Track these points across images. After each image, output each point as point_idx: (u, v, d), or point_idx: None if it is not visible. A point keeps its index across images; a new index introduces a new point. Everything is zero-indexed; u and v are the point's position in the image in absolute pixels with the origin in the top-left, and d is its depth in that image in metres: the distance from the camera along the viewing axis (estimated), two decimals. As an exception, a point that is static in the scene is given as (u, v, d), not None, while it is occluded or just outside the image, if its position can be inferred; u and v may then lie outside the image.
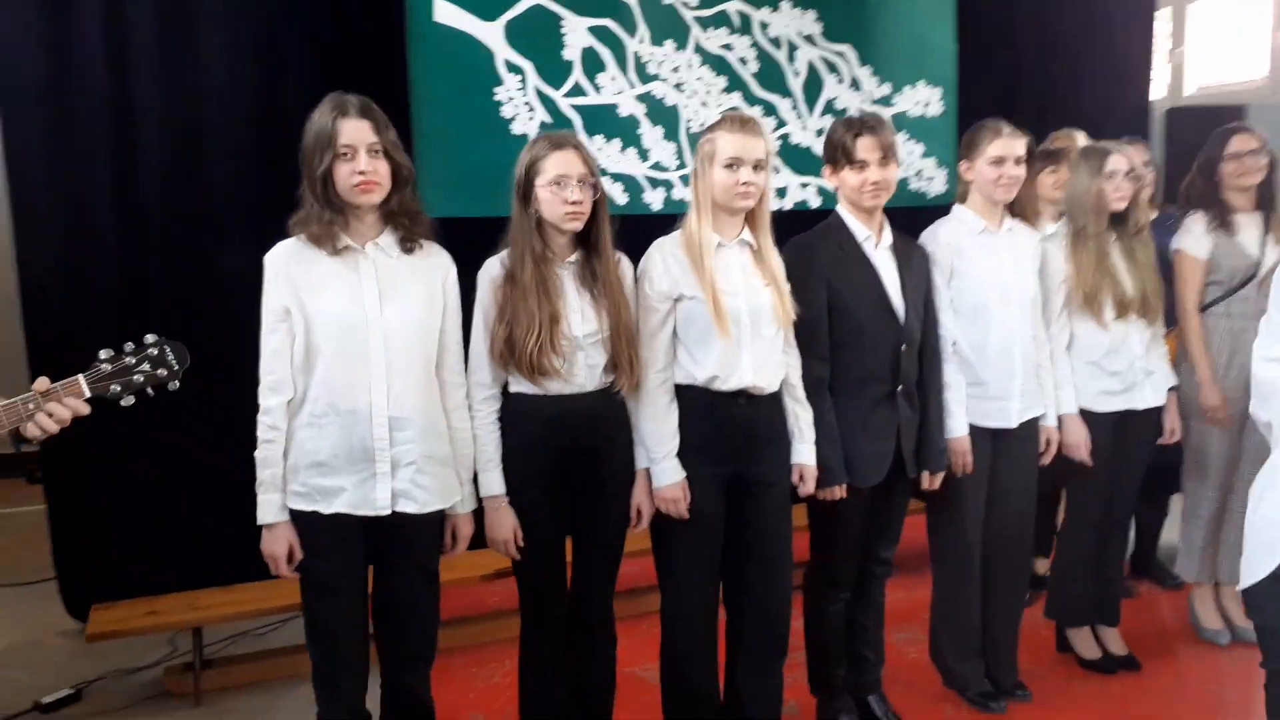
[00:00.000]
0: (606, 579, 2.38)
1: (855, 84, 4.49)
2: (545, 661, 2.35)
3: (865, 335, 2.51)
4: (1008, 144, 2.73)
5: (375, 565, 2.12)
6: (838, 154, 2.52)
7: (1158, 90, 7.57)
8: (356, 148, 1.97)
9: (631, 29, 4.08)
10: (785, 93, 4.38)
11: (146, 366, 1.77)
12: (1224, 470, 3.18)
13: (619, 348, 2.22)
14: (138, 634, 2.97)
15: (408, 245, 2.09)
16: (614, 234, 2.27)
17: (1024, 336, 2.80)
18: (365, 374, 2.01)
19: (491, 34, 3.86)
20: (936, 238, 2.78)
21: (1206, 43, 7.45)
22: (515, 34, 3.89)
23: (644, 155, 4.16)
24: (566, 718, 2.39)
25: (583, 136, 3.98)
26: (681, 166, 4.20)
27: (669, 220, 2.39)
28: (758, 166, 2.27)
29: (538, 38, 3.91)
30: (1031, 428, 2.87)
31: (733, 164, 2.25)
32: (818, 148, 4.36)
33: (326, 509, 2.01)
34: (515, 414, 2.23)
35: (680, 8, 4.17)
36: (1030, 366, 2.83)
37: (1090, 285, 2.87)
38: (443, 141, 3.79)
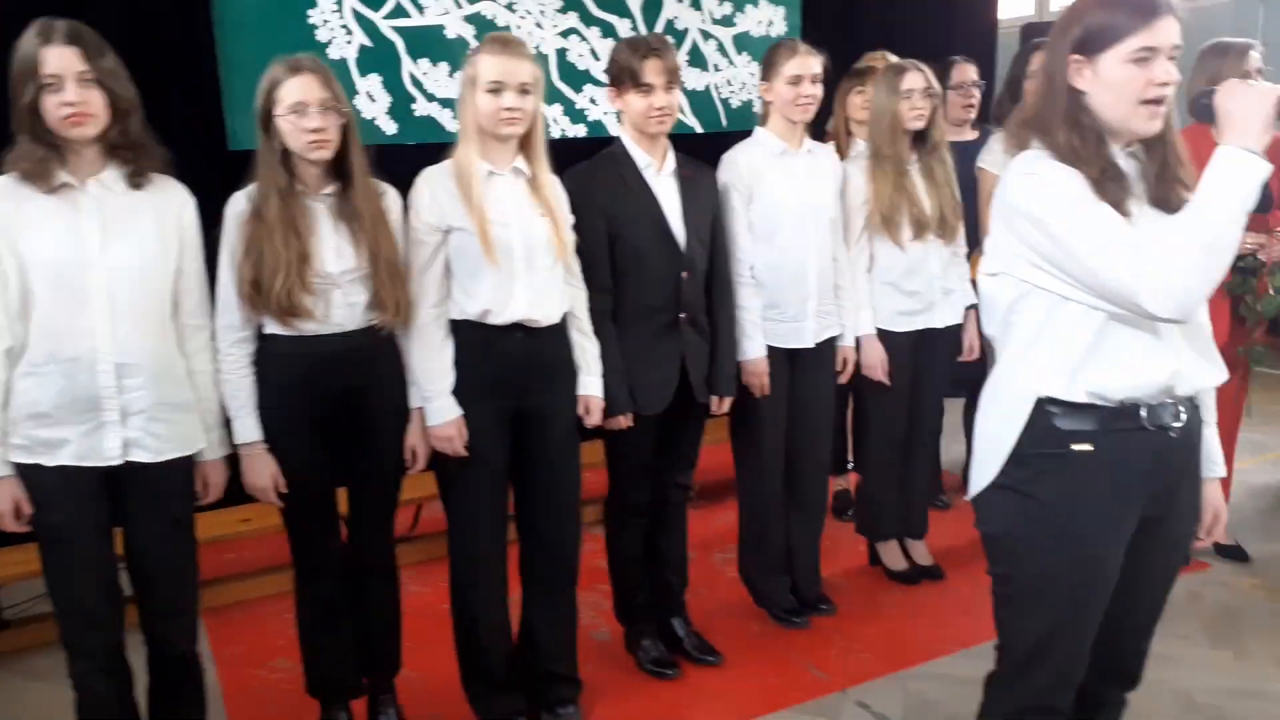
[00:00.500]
0: (384, 520, 2.36)
1: (696, 3, 4.39)
2: (320, 608, 2.33)
3: (646, 265, 2.49)
4: (804, 62, 2.71)
5: (123, 519, 2.05)
6: (623, 76, 2.46)
7: (1025, 8, 7.65)
8: (63, 77, 1.84)
9: (457, -56, 3.91)
10: (624, 13, 4.27)
11: None
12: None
13: (381, 284, 2.15)
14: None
15: (136, 180, 1.98)
16: (371, 163, 2.18)
17: (822, 258, 2.83)
18: (86, 319, 1.91)
19: (302, -51, 3.66)
20: (735, 162, 2.77)
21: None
22: (326, -53, 3.69)
23: (470, 79, 4.02)
24: (350, 662, 2.39)
25: (407, 60, 3.85)
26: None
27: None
28: (524, 90, 2.19)
29: (352, -50, 3.72)
30: (829, 348, 2.92)
31: (496, 88, 2.17)
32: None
33: (50, 461, 1.92)
34: (270, 357, 2.16)
35: (510, -79, 4.00)
36: (828, 288, 2.85)
37: (888, 207, 2.90)
38: (250, 68, 3.54)
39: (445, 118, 3.94)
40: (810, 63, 2.72)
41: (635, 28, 4.28)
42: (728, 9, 4.46)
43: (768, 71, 2.77)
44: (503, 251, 2.21)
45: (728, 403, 2.71)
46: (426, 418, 2.26)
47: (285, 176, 2.09)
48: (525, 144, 2.28)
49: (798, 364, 2.87)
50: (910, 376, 3.05)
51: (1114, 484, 1.60)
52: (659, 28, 4.33)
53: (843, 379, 2.96)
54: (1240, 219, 1.43)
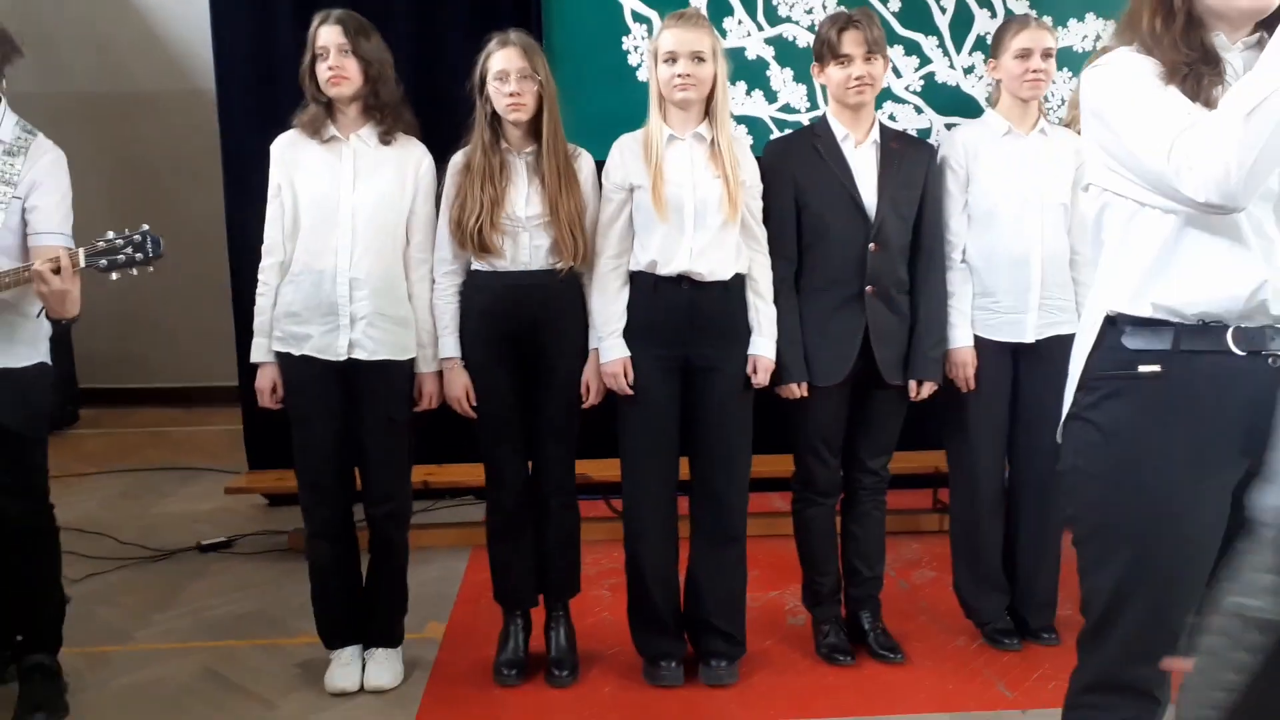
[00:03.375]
0: (562, 447, 2.59)
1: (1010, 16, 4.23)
2: (503, 519, 2.61)
3: (830, 234, 2.52)
4: (1034, 35, 2.60)
5: (351, 410, 2.50)
6: (824, 49, 2.54)
7: None
8: (329, 48, 2.37)
9: (761, -26, 4.18)
10: (931, 30, 4.24)
11: (129, 250, 2.23)
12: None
13: (561, 231, 2.43)
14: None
15: (386, 138, 2.46)
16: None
17: (1049, 247, 2.61)
18: (333, 241, 2.40)
19: (620, -13, 4.15)
20: (954, 141, 2.69)
21: None
22: (643, -15, 4.15)
23: (771, 97, 4.23)
24: (530, 577, 2.64)
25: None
26: (813, 108, 4.21)
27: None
28: (699, 59, 2.37)
29: (664, -12, 4.14)
30: (1061, 346, 2.66)
31: (671, 58, 2.38)
32: (967, 86, 4.22)
33: (297, 351, 2.43)
34: (471, 288, 2.53)
35: (816, -48, 4.20)
36: (1057, 280, 2.62)
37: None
38: (574, 88, 4.12)
39: (740, 133, 4.19)
40: (1042, 36, 2.59)
41: (941, 44, 4.23)
42: (1047, 22, 4.21)
43: (995, 47, 2.67)
44: (673, 208, 2.39)
45: (927, 388, 2.60)
46: (600, 355, 2.49)
47: (491, 134, 2.46)
48: (708, 110, 2.45)
49: (1023, 360, 2.67)
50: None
51: (1191, 415, 1.38)
52: (968, 44, 4.24)
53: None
54: None
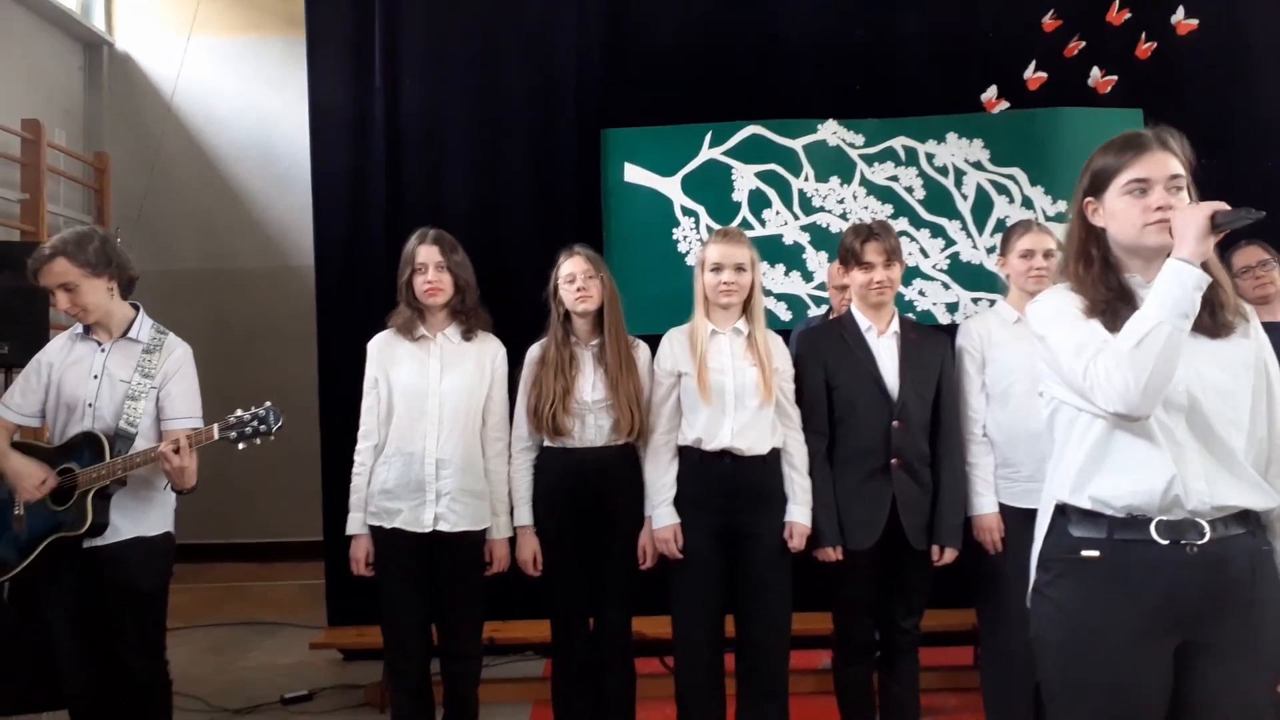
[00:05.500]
0: (619, 607, 2.87)
1: (1028, 202, 4.64)
2: (568, 672, 2.86)
3: (858, 413, 2.83)
4: (1036, 238, 2.95)
5: (432, 577, 2.81)
6: (849, 256, 2.92)
7: None
8: (428, 264, 2.81)
9: (797, 171, 4.65)
10: (954, 215, 4.65)
11: (255, 423, 2.62)
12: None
13: (621, 411, 2.79)
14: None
15: (468, 335, 2.87)
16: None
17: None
18: (423, 426, 2.78)
19: (670, 186, 4.65)
20: (969, 330, 3.02)
21: None
22: (690, 185, 4.63)
23: (808, 277, 4.64)
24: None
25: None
26: (848, 287, 4.60)
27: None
28: (740, 269, 2.77)
29: (710, 186, 4.62)
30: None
31: (717, 268, 2.78)
32: (990, 264, 4.58)
33: (388, 525, 2.77)
34: (544, 462, 2.88)
35: (846, 148, 4.67)
36: (1070, 453, 2.89)
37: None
38: (631, 275, 4.57)
39: (780, 309, 4.58)
40: (1043, 239, 2.94)
41: (965, 227, 4.64)
42: (1062, 206, 4.63)
43: (1004, 246, 3.03)
44: (716, 392, 2.74)
45: (949, 554, 2.84)
46: (653, 522, 2.79)
47: (562, 331, 2.86)
48: (747, 308, 2.83)
49: (1042, 526, 2.91)
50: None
51: (1127, 594, 1.64)
52: (989, 228, 4.63)
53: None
54: (1176, 321, 1.54)
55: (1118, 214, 1.72)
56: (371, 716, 3.78)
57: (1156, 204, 1.68)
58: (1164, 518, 1.63)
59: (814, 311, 4.58)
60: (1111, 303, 1.70)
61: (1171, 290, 1.57)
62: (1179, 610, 1.63)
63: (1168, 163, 1.70)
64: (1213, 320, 1.67)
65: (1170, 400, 1.62)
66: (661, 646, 3.36)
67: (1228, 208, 1.60)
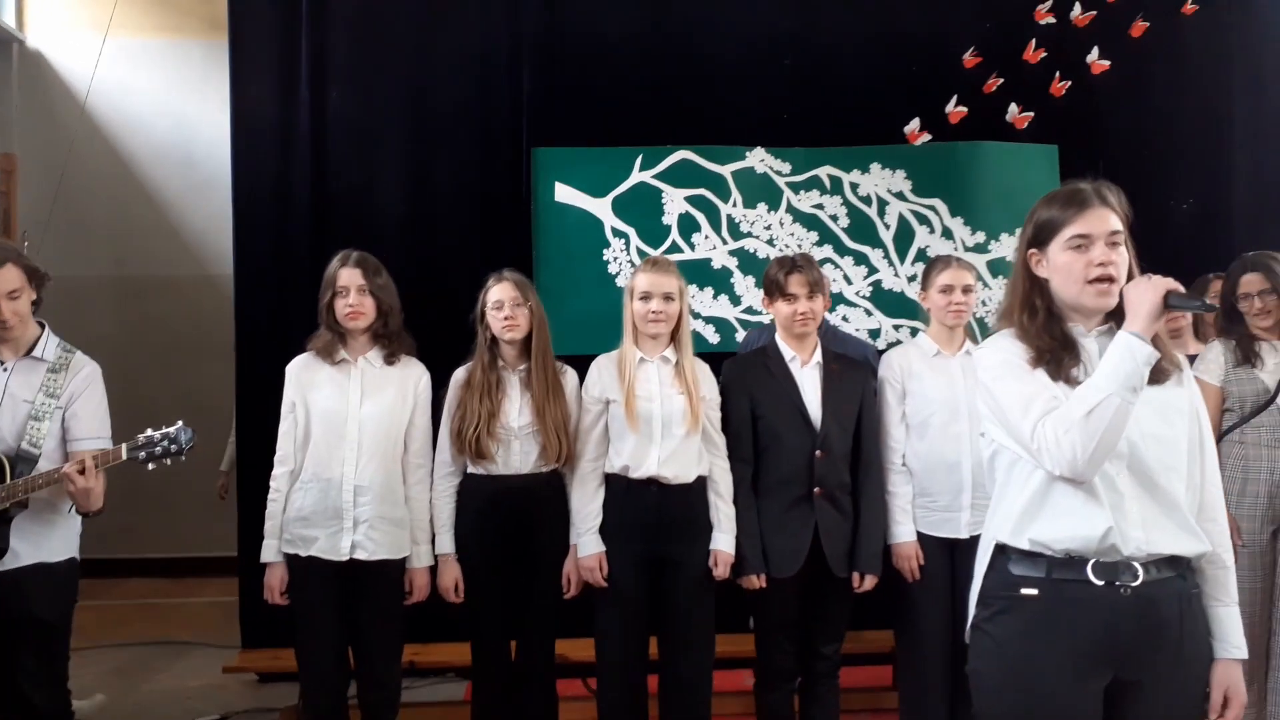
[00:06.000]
0: (542, 634, 2.86)
1: (947, 232, 4.76)
2: (488, 697, 2.84)
3: (782, 442, 2.87)
4: (956, 274, 3.03)
5: (350, 605, 2.76)
6: (773, 288, 2.96)
7: None
8: (349, 288, 2.76)
9: (726, 196, 4.69)
10: (876, 244, 4.75)
11: (165, 443, 2.54)
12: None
13: (547, 437, 2.78)
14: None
15: (390, 360, 2.83)
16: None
17: (979, 453, 2.94)
18: (341, 451, 2.73)
19: (601, 208, 4.65)
20: (890, 362, 3.09)
21: None
22: (621, 207, 4.64)
23: (735, 300, 4.69)
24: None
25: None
26: (773, 311, 4.66)
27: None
28: (668, 298, 2.79)
29: (640, 208, 4.62)
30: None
31: (646, 296, 2.80)
32: (910, 292, 4.68)
33: (304, 553, 2.71)
34: (466, 489, 2.86)
35: (773, 175, 4.74)
36: (987, 481, 2.97)
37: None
38: (562, 294, 4.56)
39: (709, 332, 4.62)
40: (963, 274, 3.03)
41: (887, 256, 4.74)
42: (980, 238, 4.77)
43: (925, 281, 3.11)
44: (643, 420, 2.75)
45: (870, 581, 2.90)
46: (577, 550, 2.78)
47: (489, 355, 2.85)
48: (674, 336, 2.85)
49: (958, 555, 2.98)
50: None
51: (1063, 633, 1.69)
52: (910, 256, 4.75)
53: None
54: (1124, 393, 1.61)
55: (1060, 268, 1.77)
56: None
57: (1099, 260, 1.74)
58: (1101, 559, 1.69)
59: (740, 334, 4.64)
60: (1055, 352, 1.76)
61: (1124, 363, 1.63)
62: (1112, 648, 1.69)
63: (1108, 219, 1.76)
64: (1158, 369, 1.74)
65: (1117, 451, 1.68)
66: (584, 669, 3.36)
67: (1181, 289, 1.68)
